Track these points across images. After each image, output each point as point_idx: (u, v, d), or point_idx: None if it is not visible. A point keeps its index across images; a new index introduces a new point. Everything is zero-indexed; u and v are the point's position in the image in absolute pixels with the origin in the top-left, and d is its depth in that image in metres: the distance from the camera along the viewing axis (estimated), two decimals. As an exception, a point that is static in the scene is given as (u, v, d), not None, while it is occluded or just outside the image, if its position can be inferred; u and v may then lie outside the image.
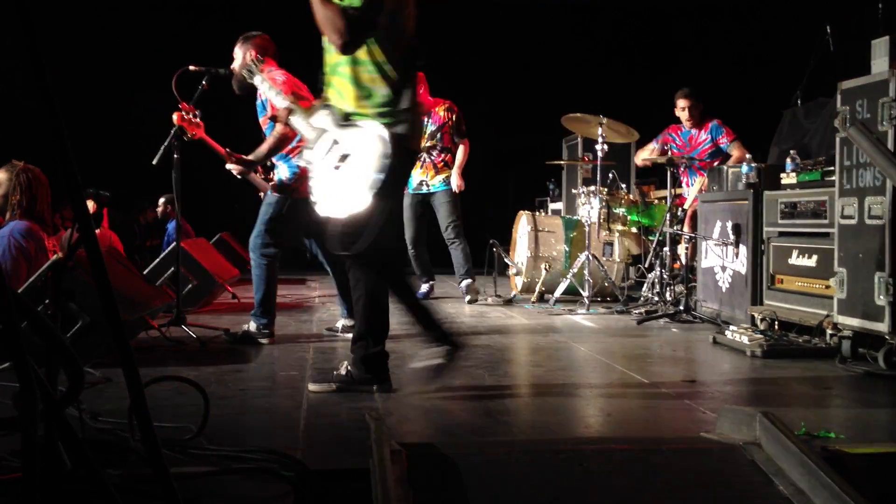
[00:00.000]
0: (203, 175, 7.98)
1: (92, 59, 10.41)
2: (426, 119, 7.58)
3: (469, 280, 7.66)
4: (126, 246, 8.86)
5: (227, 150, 5.20)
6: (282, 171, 5.19)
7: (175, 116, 5.08)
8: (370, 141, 3.44)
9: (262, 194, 5.45)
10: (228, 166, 5.19)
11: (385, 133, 3.43)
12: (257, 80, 4.61)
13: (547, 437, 3.06)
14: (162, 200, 10.47)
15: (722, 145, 7.25)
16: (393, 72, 3.50)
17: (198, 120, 5.12)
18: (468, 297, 7.56)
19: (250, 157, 5.12)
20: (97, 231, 7.67)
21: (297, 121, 3.77)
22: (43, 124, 1.64)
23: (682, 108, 7.33)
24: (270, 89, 4.52)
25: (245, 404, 3.55)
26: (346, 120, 3.55)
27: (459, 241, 7.72)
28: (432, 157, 7.66)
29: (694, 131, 7.37)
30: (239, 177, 5.25)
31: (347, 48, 3.47)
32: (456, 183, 7.62)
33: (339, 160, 3.54)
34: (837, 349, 4.52)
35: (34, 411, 1.40)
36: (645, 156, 7.52)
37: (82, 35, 10.20)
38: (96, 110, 10.19)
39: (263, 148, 5.06)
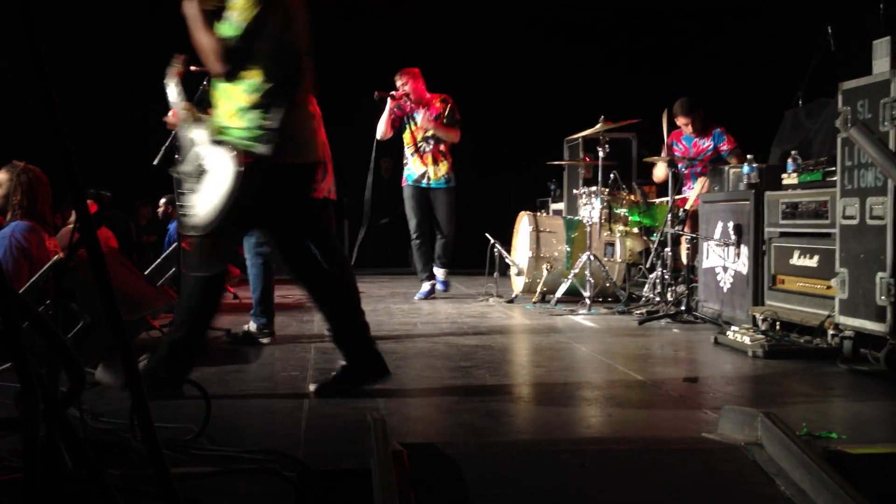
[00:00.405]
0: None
1: (92, 58, 10.41)
2: (422, 110, 7.63)
3: (444, 271, 7.83)
4: (122, 243, 8.85)
5: None
6: None
7: (171, 114, 5.08)
8: (225, 161, 3.43)
9: None
10: None
11: (235, 155, 3.41)
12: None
13: (548, 438, 3.07)
14: (163, 201, 10.46)
15: (723, 152, 7.25)
16: (269, 91, 3.50)
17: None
18: (445, 284, 7.77)
19: None
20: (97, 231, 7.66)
21: (181, 131, 3.79)
22: (43, 124, 1.64)
23: (683, 124, 7.32)
24: None
25: (246, 405, 3.55)
26: (217, 135, 3.54)
27: (448, 240, 7.80)
28: (430, 148, 7.67)
29: (697, 138, 7.36)
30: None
31: (226, 76, 3.52)
32: (428, 118, 7.62)
33: (199, 176, 3.53)
34: (839, 350, 4.51)
35: (36, 411, 1.40)
36: (661, 168, 7.50)
37: (82, 34, 10.19)
38: (96, 110, 10.18)
39: None
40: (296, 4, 3.58)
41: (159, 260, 6.68)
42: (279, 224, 3.72)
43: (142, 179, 8.27)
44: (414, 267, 8.19)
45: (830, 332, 4.62)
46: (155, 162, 5.18)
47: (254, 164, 3.42)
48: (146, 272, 6.28)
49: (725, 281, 5.97)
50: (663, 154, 7.35)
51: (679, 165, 7.16)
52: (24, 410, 1.39)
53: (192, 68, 5.18)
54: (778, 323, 5.08)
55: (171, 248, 6.65)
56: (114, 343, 1.53)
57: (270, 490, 2.40)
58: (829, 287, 4.73)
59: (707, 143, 7.32)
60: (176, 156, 5.22)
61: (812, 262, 5.04)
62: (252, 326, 5.13)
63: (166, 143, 5.16)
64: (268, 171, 3.46)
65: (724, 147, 7.24)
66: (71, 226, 6.42)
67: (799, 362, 4.48)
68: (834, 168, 4.76)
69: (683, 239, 6.76)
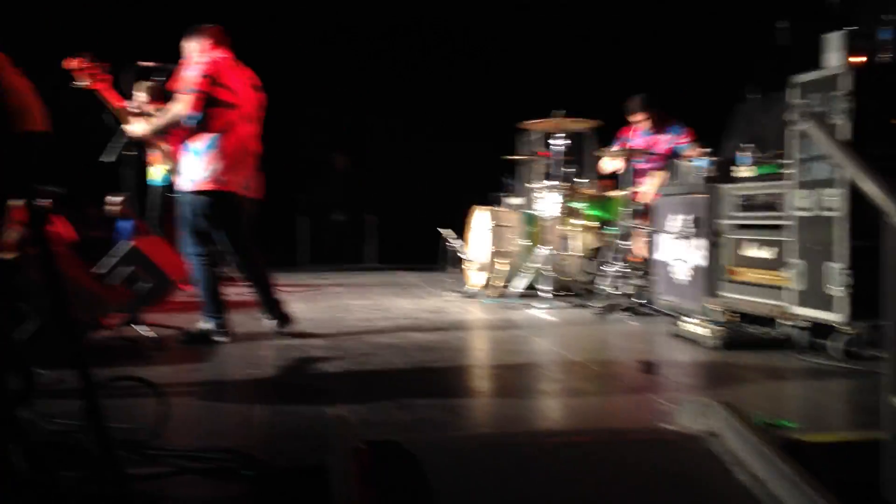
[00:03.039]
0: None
1: (34, 50, 10.19)
2: None
3: None
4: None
5: (126, 103, 5.06)
6: (189, 160, 5.00)
7: (74, 62, 4.92)
8: None
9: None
10: (129, 126, 5.06)
11: None
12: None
13: (509, 431, 3.06)
14: (116, 199, 10.27)
15: (680, 146, 7.30)
16: None
17: (104, 74, 4.98)
18: None
19: (147, 123, 5.00)
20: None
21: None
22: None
23: (640, 120, 7.35)
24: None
25: (202, 403, 3.51)
26: None
27: None
28: None
29: (653, 132, 7.40)
30: (137, 137, 5.13)
31: None
32: None
33: None
34: (793, 340, 4.58)
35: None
36: (609, 161, 7.52)
37: (20, 32, 9.98)
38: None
39: (159, 118, 4.98)
40: None
41: (111, 259, 6.57)
42: None
43: (85, 177, 8.11)
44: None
45: (787, 322, 4.68)
46: (102, 158, 5.09)
47: None
48: (99, 272, 6.17)
49: (682, 273, 6.02)
50: (615, 147, 7.40)
51: (635, 159, 7.19)
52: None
53: (142, 63, 5.10)
54: (734, 314, 5.14)
55: (121, 247, 6.55)
56: (65, 344, 1.49)
57: (229, 490, 2.37)
58: (783, 278, 4.79)
59: (665, 137, 7.36)
60: (125, 152, 5.14)
61: (767, 254, 5.10)
62: (207, 325, 5.06)
63: (112, 140, 5.06)
64: None
65: (683, 140, 7.29)
66: (17, 224, 6.29)
67: (755, 353, 4.53)
68: (788, 161, 4.82)
69: (641, 232, 6.81)
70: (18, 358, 1.55)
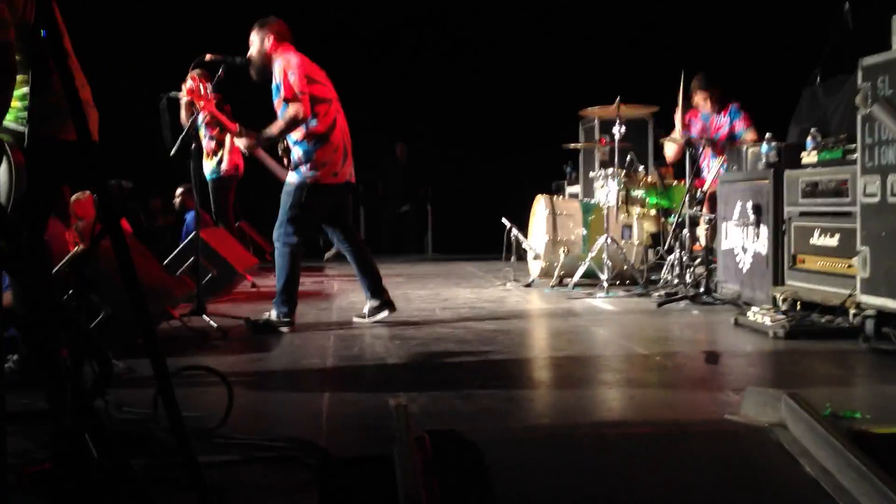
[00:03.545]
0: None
1: (105, 48, 10.42)
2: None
3: None
4: (135, 232, 8.88)
5: (238, 124, 5.24)
6: (297, 156, 5.19)
7: (184, 88, 5.09)
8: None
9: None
10: (237, 141, 5.24)
11: (8, 151, 3.10)
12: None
13: (570, 422, 3.06)
14: (179, 191, 10.47)
15: (738, 130, 7.18)
16: (25, 69, 3.30)
17: (209, 94, 5.14)
18: None
19: (261, 134, 5.14)
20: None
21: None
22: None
23: (702, 98, 7.25)
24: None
25: (268, 393, 3.57)
26: None
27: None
28: None
29: (714, 115, 7.29)
30: (247, 153, 5.30)
31: None
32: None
33: None
34: (861, 329, 4.48)
35: (64, 405, 1.41)
36: (672, 148, 7.44)
37: (96, 29, 10.21)
38: (110, 101, 10.20)
39: (274, 128, 5.10)
40: None
41: (177, 250, 6.71)
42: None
43: (152, 169, 8.29)
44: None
45: (852, 311, 4.59)
46: (172, 152, 5.19)
47: (27, 144, 3.25)
48: (165, 262, 6.31)
49: (745, 261, 5.93)
50: (677, 132, 7.31)
51: (696, 146, 7.09)
52: (54, 404, 1.40)
53: (208, 57, 5.19)
54: (799, 303, 5.05)
55: (188, 238, 6.68)
56: (140, 334, 1.53)
57: (293, 477, 2.41)
58: (850, 266, 4.70)
59: (723, 120, 7.25)
60: (192, 145, 5.24)
61: (832, 241, 5.00)
62: (272, 315, 5.14)
63: (182, 133, 5.16)
64: (35, 150, 3.24)
65: (740, 124, 7.17)
66: (91, 218, 6.45)
67: (821, 342, 4.45)
68: (854, 145, 4.72)
69: (702, 220, 6.72)
70: (97, 348, 1.59)
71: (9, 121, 3.33)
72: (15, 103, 3.31)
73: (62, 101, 3.30)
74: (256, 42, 5.21)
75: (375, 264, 5.49)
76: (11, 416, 1.87)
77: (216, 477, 2.35)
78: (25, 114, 3.34)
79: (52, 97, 3.32)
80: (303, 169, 5.17)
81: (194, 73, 5.46)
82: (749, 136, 7.01)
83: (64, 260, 4.09)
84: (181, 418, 1.62)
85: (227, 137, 7.57)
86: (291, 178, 5.21)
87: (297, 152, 5.20)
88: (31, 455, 2.31)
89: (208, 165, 8.11)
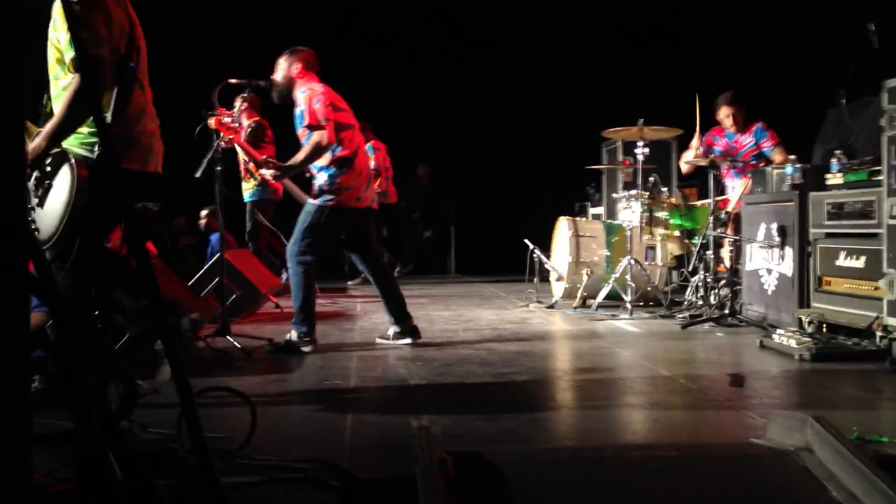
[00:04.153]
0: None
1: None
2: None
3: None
4: (160, 252, 8.95)
5: (265, 157, 5.30)
6: (320, 180, 5.23)
7: (212, 120, 5.15)
8: (63, 170, 3.27)
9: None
10: (265, 173, 5.29)
11: (72, 161, 3.25)
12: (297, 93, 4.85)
13: (593, 445, 3.04)
14: (204, 212, 10.56)
15: (765, 149, 7.15)
16: (106, 96, 3.35)
17: (235, 125, 5.20)
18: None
19: (287, 164, 5.20)
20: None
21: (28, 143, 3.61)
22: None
23: (726, 115, 7.23)
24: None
25: (290, 413, 3.57)
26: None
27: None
28: None
29: (738, 134, 7.27)
30: (273, 181, 5.37)
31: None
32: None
33: (39, 189, 3.34)
34: (888, 351, 4.44)
35: (91, 426, 1.42)
36: (688, 158, 7.43)
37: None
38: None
39: (300, 156, 5.15)
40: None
41: (202, 271, 6.76)
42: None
43: (175, 189, 8.35)
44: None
45: (879, 333, 4.54)
46: (197, 174, 5.24)
47: (94, 170, 3.28)
48: (189, 283, 6.35)
49: (770, 283, 5.89)
50: (694, 143, 7.30)
51: (719, 166, 7.07)
52: (80, 425, 1.41)
53: (233, 81, 5.25)
54: (825, 325, 5.01)
55: (213, 259, 6.73)
56: (165, 354, 1.54)
57: (316, 499, 2.41)
58: (876, 288, 4.65)
59: (748, 140, 7.23)
60: (217, 167, 5.29)
61: (859, 263, 4.96)
62: (293, 335, 5.16)
63: (208, 155, 5.21)
64: (103, 178, 3.25)
65: (767, 143, 7.14)
66: (118, 239, 6.50)
67: (847, 365, 4.41)
68: (879, 167, 4.69)
69: (726, 241, 6.69)
70: (122, 369, 1.61)
71: (72, 145, 3.38)
72: (82, 128, 3.37)
73: (127, 131, 3.41)
74: (284, 67, 5.28)
75: (399, 289, 5.51)
76: (37, 437, 1.89)
77: (240, 498, 2.36)
78: (94, 140, 3.38)
79: (117, 126, 3.37)
80: (325, 192, 5.21)
81: (243, 97, 5.51)
82: (778, 155, 6.98)
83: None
84: (204, 439, 1.63)
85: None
86: (315, 200, 5.24)
87: (321, 178, 5.23)
88: (56, 475, 2.33)
89: (246, 187, 8.28)
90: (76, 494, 1.59)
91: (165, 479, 2.39)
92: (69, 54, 3.32)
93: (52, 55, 3.41)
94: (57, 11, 3.36)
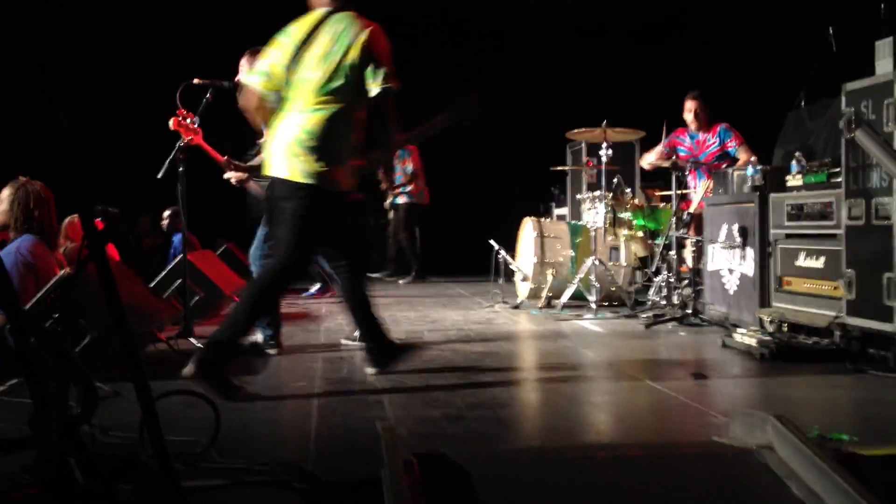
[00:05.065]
0: (205, 185, 7.99)
1: (90, 68, 10.42)
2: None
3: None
4: (123, 254, 8.84)
5: (227, 157, 5.25)
6: None
7: (171, 122, 5.10)
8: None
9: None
10: (227, 174, 5.25)
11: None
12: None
13: (559, 445, 3.06)
14: (167, 213, 10.46)
15: (730, 149, 7.22)
16: None
17: (195, 126, 5.15)
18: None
19: (248, 165, 5.16)
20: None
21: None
22: (49, 141, 1.64)
23: (689, 109, 7.30)
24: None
25: (255, 416, 3.55)
26: None
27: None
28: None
29: (701, 134, 7.34)
30: (236, 185, 5.30)
31: None
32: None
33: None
34: (847, 350, 4.50)
35: (51, 432, 1.40)
36: (651, 159, 7.50)
37: (81, 51, 10.22)
38: (92, 116, 10.17)
39: (261, 157, 5.10)
40: None
41: (164, 272, 6.69)
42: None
43: (139, 188, 8.26)
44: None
45: (838, 333, 4.61)
46: (159, 175, 5.19)
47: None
48: (152, 284, 6.29)
49: (731, 283, 5.96)
50: (661, 147, 7.37)
51: (682, 168, 7.14)
52: (39, 431, 1.39)
53: (196, 81, 5.20)
54: (785, 325, 5.08)
55: (175, 261, 6.66)
56: (123, 357, 1.53)
57: (281, 501, 2.40)
58: (835, 288, 4.73)
59: (712, 140, 7.30)
60: (179, 168, 5.24)
61: (818, 264, 5.03)
62: (258, 337, 5.13)
63: (170, 156, 5.16)
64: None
65: (732, 143, 7.21)
66: (77, 242, 6.43)
67: (807, 364, 4.47)
68: (838, 169, 4.76)
69: (688, 242, 6.76)
70: (82, 373, 1.59)
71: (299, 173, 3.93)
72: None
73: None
74: (247, 68, 5.22)
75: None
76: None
77: (203, 502, 2.34)
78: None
79: None
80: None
81: (205, 98, 5.44)
82: (743, 154, 7.06)
83: (50, 284, 4.07)
84: (164, 444, 1.61)
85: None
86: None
87: None
88: (16, 479, 2.29)
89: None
90: (38, 500, 1.57)
91: (127, 484, 2.36)
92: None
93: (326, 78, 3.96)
94: (362, 42, 3.97)
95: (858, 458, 2.47)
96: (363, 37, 3.99)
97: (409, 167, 10.30)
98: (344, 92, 3.99)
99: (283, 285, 4.10)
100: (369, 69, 3.97)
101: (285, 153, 3.98)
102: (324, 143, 3.94)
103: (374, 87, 3.99)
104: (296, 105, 3.99)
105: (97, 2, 10.46)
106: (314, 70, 3.97)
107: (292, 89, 4.01)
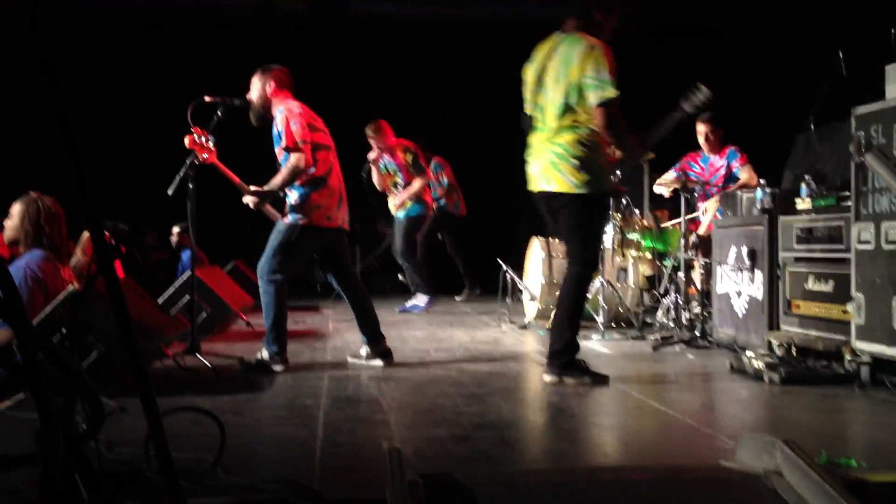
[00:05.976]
0: (215, 202, 8.02)
1: (105, 89, 10.49)
2: (387, 158, 9.03)
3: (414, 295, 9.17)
4: (130, 270, 8.86)
5: (242, 182, 5.25)
6: (292, 199, 5.21)
7: (186, 140, 5.12)
8: None
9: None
10: (245, 199, 5.23)
11: None
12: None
13: (564, 467, 3.04)
14: (176, 230, 10.49)
15: (734, 170, 7.23)
16: None
17: (210, 145, 5.17)
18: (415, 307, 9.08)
19: (265, 188, 5.16)
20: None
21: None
22: (61, 156, 1.65)
23: (700, 132, 7.30)
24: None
25: (261, 433, 3.55)
26: None
27: (408, 264, 9.11)
28: (399, 190, 9.09)
29: (712, 157, 7.35)
30: (254, 209, 5.27)
31: None
32: (395, 204, 9.10)
33: None
34: (856, 375, 4.48)
35: (56, 448, 1.40)
36: (665, 182, 7.49)
37: (95, 66, 10.29)
38: (109, 140, 10.23)
39: (277, 179, 5.12)
40: None
41: (173, 288, 6.70)
42: None
43: (147, 204, 8.29)
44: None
45: (847, 357, 4.59)
46: (170, 191, 5.21)
47: None
48: (160, 300, 6.30)
49: (740, 306, 5.94)
50: (673, 173, 7.36)
51: (693, 189, 7.13)
52: (45, 446, 1.39)
53: (207, 99, 5.23)
54: (794, 348, 5.05)
55: (184, 277, 6.68)
56: (131, 374, 1.53)
57: (286, 520, 2.39)
58: (845, 312, 4.70)
59: (721, 162, 7.30)
60: (190, 185, 5.25)
61: (827, 287, 5.01)
62: (264, 354, 5.13)
63: (181, 172, 5.18)
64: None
65: (736, 163, 7.22)
66: (87, 257, 6.45)
67: (816, 388, 4.44)
68: (848, 193, 4.75)
69: (697, 264, 6.74)
70: (88, 388, 1.59)
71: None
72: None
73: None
74: (258, 86, 5.25)
75: (374, 309, 5.48)
76: (2, 458, 1.86)
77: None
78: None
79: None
80: (297, 212, 5.18)
81: (216, 116, 5.44)
82: (744, 174, 7.06)
83: (57, 299, 4.07)
84: (171, 461, 1.61)
85: (416, 181, 8.95)
86: (286, 218, 5.22)
87: (293, 196, 5.20)
88: (20, 495, 2.29)
89: (395, 203, 9.08)
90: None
91: (132, 500, 2.35)
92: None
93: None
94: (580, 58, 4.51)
95: (866, 484, 2.45)
96: (581, 52, 4.58)
97: (445, 180, 10.30)
98: (578, 108, 4.61)
99: (585, 287, 4.88)
100: (588, 81, 4.54)
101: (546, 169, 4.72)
102: (578, 158, 4.64)
103: (593, 98, 4.57)
104: (546, 126, 4.72)
105: (103, 17, 10.55)
106: (552, 92, 4.64)
107: (539, 112, 4.78)
